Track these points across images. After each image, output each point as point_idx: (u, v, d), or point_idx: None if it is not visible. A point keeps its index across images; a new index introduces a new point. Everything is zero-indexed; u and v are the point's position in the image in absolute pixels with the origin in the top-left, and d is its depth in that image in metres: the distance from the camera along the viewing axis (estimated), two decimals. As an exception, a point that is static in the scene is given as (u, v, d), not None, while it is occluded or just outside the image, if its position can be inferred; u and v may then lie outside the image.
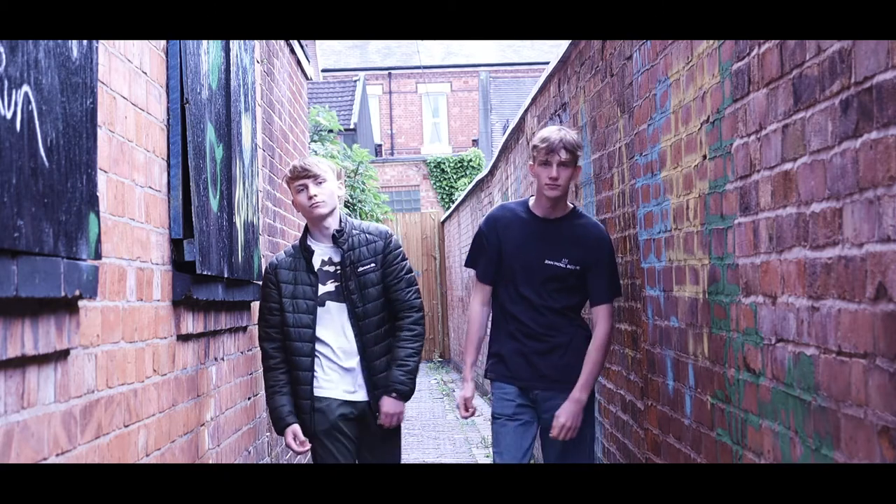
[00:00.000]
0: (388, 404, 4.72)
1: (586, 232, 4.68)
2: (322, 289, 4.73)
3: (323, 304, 4.72)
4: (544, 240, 4.66)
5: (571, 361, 4.65)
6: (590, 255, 4.64)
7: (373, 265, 4.72)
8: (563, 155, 4.56)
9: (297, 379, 4.73)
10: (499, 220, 4.77)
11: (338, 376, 4.73)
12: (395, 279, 4.78)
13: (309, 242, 4.77)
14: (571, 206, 4.73)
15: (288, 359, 4.74)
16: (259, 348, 4.83)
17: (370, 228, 4.83)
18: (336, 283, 4.72)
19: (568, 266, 4.63)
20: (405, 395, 4.76)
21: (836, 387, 2.41)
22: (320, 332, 4.72)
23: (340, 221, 4.75)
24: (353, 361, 4.74)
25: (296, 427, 4.68)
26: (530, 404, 4.69)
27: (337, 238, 4.73)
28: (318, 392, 4.72)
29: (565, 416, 4.55)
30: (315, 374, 4.72)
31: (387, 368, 4.75)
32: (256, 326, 5.05)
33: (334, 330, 4.73)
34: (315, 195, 4.65)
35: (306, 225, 4.81)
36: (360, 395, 4.75)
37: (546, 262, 4.64)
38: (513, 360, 4.71)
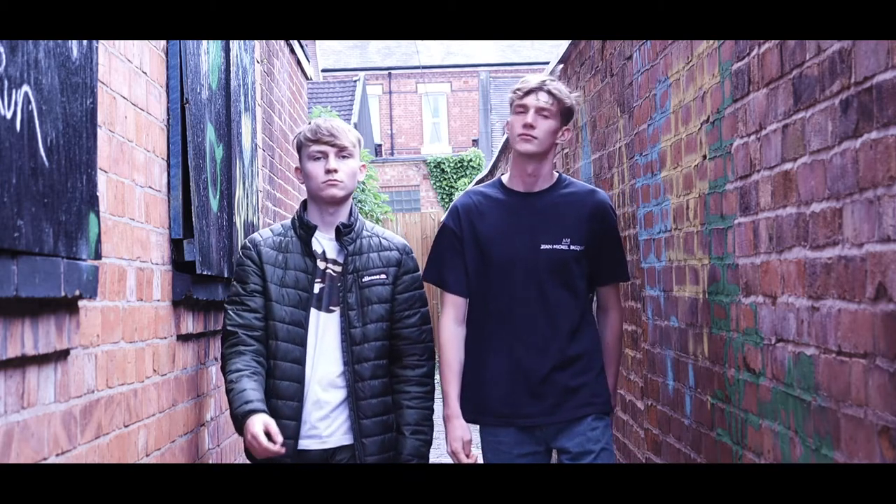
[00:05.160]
0: None
1: (583, 199, 3.70)
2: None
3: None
4: (534, 219, 3.66)
5: (590, 378, 3.67)
6: (594, 228, 3.67)
7: (383, 276, 3.69)
8: (544, 99, 3.60)
9: (277, 391, 3.61)
10: (468, 209, 3.71)
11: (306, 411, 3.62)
12: (409, 308, 3.71)
13: (309, 219, 3.72)
14: (557, 174, 3.76)
15: (268, 363, 3.64)
16: (225, 336, 3.68)
17: (387, 234, 3.80)
18: (322, 285, 3.66)
19: (572, 247, 3.63)
20: None
21: (836, 387, 2.41)
22: None
23: (351, 215, 3.74)
24: (334, 395, 3.64)
25: (268, 418, 3.46)
26: (536, 447, 3.64)
27: (342, 233, 3.68)
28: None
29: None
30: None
31: (382, 412, 3.66)
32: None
33: (313, 347, 3.64)
34: (335, 170, 3.65)
35: (304, 200, 3.80)
36: (336, 440, 3.64)
37: (543, 246, 3.63)
38: (508, 392, 3.61)
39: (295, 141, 3.80)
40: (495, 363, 3.64)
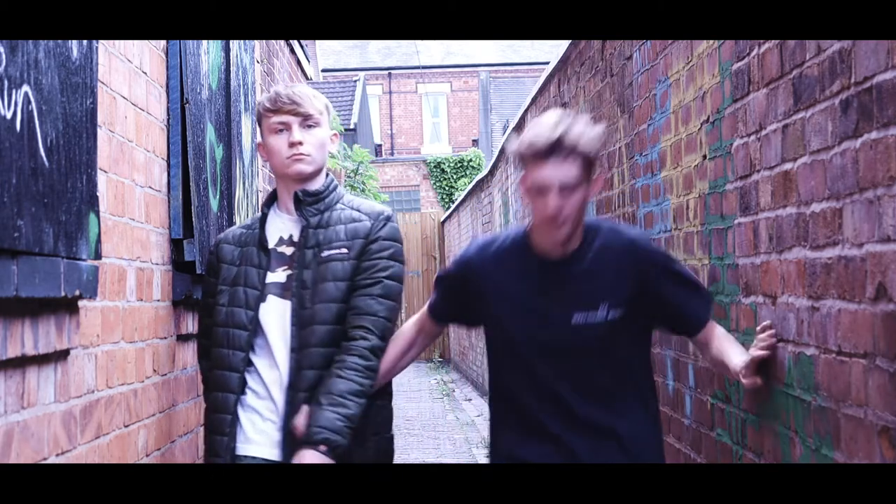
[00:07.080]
0: (309, 460, 2.99)
1: (618, 250, 2.90)
2: (270, 277, 3.16)
3: (264, 300, 3.15)
4: (563, 289, 2.89)
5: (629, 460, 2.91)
6: (641, 278, 2.89)
7: (344, 251, 3.12)
8: (567, 171, 2.77)
9: (214, 404, 3.16)
10: (476, 268, 3.00)
11: (271, 423, 3.12)
12: (367, 278, 3.12)
13: (269, 209, 3.26)
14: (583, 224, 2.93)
15: (211, 374, 3.22)
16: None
17: (364, 206, 3.23)
18: (290, 272, 3.16)
19: (611, 315, 2.86)
20: (337, 450, 3.01)
21: (836, 387, 2.41)
22: (257, 342, 3.15)
23: (324, 186, 3.24)
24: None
25: None
26: None
27: (301, 201, 3.18)
28: (241, 446, 3.14)
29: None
30: (242, 407, 3.14)
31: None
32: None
33: (274, 343, 3.13)
34: (299, 142, 3.15)
35: (275, 188, 3.31)
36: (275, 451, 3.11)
37: (574, 322, 2.86)
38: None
39: (255, 113, 3.33)
40: (522, 441, 2.99)
